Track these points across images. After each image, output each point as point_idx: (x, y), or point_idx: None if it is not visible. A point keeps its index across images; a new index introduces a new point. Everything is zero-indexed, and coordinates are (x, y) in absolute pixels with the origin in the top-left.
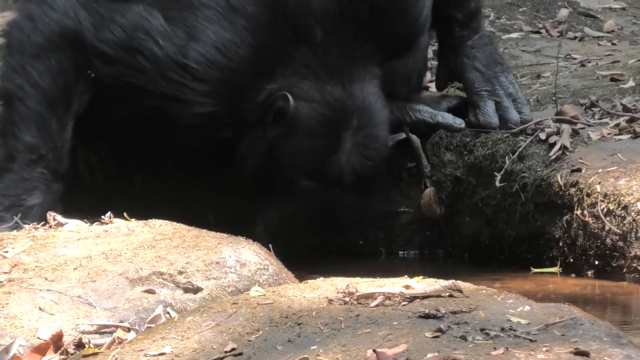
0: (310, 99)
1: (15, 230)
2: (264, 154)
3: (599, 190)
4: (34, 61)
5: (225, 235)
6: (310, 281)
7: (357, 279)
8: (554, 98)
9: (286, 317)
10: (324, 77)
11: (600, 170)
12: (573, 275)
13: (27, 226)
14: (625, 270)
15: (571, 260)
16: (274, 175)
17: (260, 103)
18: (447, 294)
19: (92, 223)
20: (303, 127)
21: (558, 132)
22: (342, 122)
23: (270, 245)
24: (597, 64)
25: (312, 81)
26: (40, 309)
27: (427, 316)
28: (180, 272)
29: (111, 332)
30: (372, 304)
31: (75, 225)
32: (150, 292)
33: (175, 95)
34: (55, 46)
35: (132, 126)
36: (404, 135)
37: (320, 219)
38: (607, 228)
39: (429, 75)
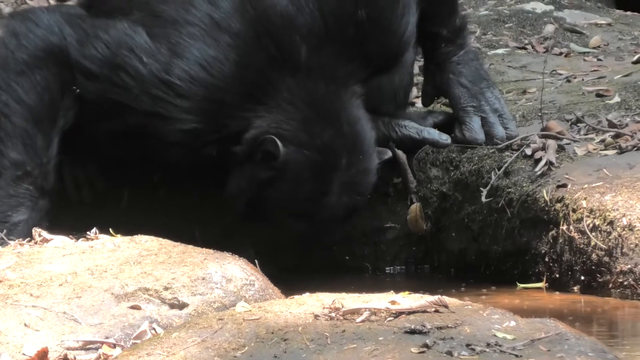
0: (299, 143)
1: (0, 246)
2: (252, 193)
3: (584, 205)
4: (18, 78)
5: (211, 250)
6: (296, 297)
7: (343, 295)
8: (540, 114)
9: (272, 333)
10: (311, 116)
11: (586, 185)
12: (559, 290)
13: (12, 242)
14: (611, 285)
15: (557, 275)
16: (263, 212)
17: (248, 140)
18: (433, 309)
19: (77, 239)
20: (292, 173)
21: (544, 148)
22: (332, 165)
23: (256, 260)
24: (582, 79)
25: (299, 122)
26: (25, 325)
27: (412, 332)
28: (166, 288)
29: (97, 348)
30: (358, 320)
31: (60, 241)
32: (136, 308)
33: (159, 113)
34: (40, 62)
35: (116, 142)
36: (390, 154)
37: (308, 242)
38: (593, 243)
39: (415, 91)
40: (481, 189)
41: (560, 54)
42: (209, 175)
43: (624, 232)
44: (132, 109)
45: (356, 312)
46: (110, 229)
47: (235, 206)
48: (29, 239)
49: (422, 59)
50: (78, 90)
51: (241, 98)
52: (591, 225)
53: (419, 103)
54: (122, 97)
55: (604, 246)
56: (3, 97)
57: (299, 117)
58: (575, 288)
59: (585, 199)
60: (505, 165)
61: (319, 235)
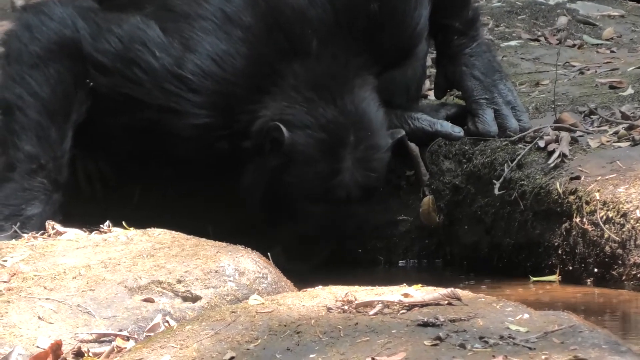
0: (303, 125)
1: (14, 239)
2: (266, 184)
3: (598, 197)
4: (32, 71)
5: (224, 244)
6: (309, 289)
7: (356, 288)
8: (553, 106)
9: (285, 326)
10: (313, 98)
11: (599, 177)
12: (572, 283)
13: (26, 235)
14: (624, 277)
15: (570, 268)
16: (279, 202)
17: (255, 132)
18: (446, 302)
19: (91, 232)
20: (301, 156)
21: (557, 140)
22: (340, 141)
23: (268, 253)
24: (595, 71)
25: (301, 105)
26: (39, 317)
27: (425, 324)
28: (179, 281)
29: (110, 341)
30: (371, 312)
31: (74, 234)
32: (149, 300)
33: (171, 107)
34: (53, 56)
35: (129, 137)
36: (402, 133)
37: (328, 233)
38: (606, 236)
39: (427, 83)
40: (494, 181)
41: (573, 45)
42: (222, 172)
43: (638, 224)
44: (144, 103)
45: (369, 304)
46: (123, 222)
47: (250, 202)
48: (42, 231)
49: (435, 52)
50: (91, 84)
51: (251, 92)
52: (604, 217)
53: (431, 95)
54: (134, 92)
55: (617, 238)
56: (17, 90)
57: (301, 100)
58: (589, 280)
59: (598, 191)
60: (518, 157)
61: (342, 220)
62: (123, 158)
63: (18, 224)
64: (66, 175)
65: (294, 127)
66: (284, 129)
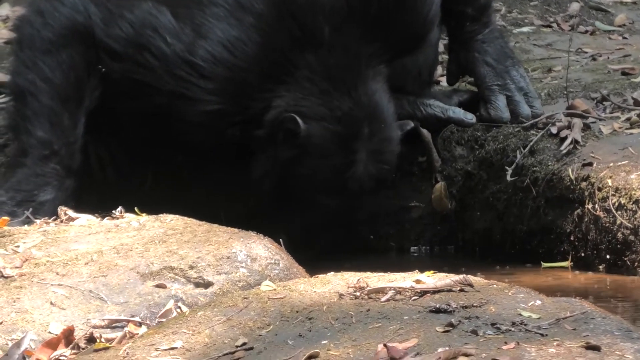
0: (318, 117)
1: (26, 225)
2: (277, 175)
3: (610, 184)
4: (44, 56)
5: (236, 230)
6: (321, 276)
7: (368, 274)
8: (565, 92)
9: (297, 312)
10: (329, 90)
11: (611, 164)
12: (584, 269)
13: (38, 221)
14: (636, 264)
15: (582, 254)
16: (290, 192)
17: (269, 122)
18: (458, 288)
19: (103, 218)
20: (316, 148)
21: (569, 126)
22: (354, 134)
23: (280, 240)
24: (608, 57)
25: (317, 96)
26: (51, 303)
27: (437, 311)
28: (191, 267)
29: (122, 327)
30: (383, 299)
31: (86, 220)
32: (162, 286)
33: (183, 93)
34: (65, 41)
35: (141, 123)
36: (412, 125)
37: (339, 221)
38: (618, 222)
39: (440, 70)
40: (506, 167)
41: (586, 32)
42: (233, 161)
43: None
44: (156, 89)
45: (381, 291)
46: (135, 208)
47: (262, 191)
48: (54, 217)
49: (447, 38)
50: (103, 70)
51: (263, 79)
52: (617, 203)
53: (444, 81)
54: (146, 77)
55: (630, 225)
56: (30, 76)
57: (317, 91)
58: (601, 267)
59: (610, 177)
60: (531, 143)
61: (351, 210)
62: (135, 143)
63: (30, 209)
64: (79, 162)
65: (310, 119)
66: (299, 120)
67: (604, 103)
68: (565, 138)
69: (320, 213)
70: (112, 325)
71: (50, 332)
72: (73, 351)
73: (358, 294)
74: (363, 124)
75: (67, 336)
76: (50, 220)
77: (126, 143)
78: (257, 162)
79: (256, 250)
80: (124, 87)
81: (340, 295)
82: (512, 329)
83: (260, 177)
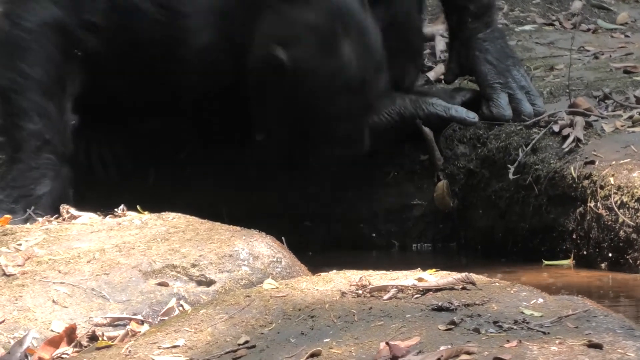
0: (295, 37)
1: (28, 223)
2: (280, 110)
3: (612, 182)
4: (21, 53)
5: (238, 228)
6: (323, 274)
7: (370, 272)
8: (567, 90)
9: (299, 310)
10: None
11: (613, 162)
12: (586, 268)
13: (40, 218)
14: (638, 262)
15: (584, 252)
16: (299, 123)
17: (256, 58)
18: (460, 286)
19: (105, 216)
20: (304, 69)
21: (571, 125)
22: (333, 33)
23: (283, 238)
24: (610, 56)
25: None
26: (53, 301)
27: (440, 309)
28: (194, 265)
29: (124, 325)
30: (385, 297)
31: (88, 218)
32: (164, 284)
33: (171, 36)
34: (38, 35)
35: (138, 92)
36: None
37: (357, 126)
38: (620, 220)
39: (442, 68)
40: (508, 165)
41: (588, 30)
42: (232, 114)
43: None
44: (144, 45)
45: (383, 289)
46: (137, 206)
47: (268, 140)
48: (56, 215)
49: (448, 36)
50: (80, 54)
51: (240, 9)
52: (619, 202)
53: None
54: (132, 37)
55: (632, 223)
56: (9, 75)
57: (286, 9)
58: (603, 265)
59: (613, 175)
60: (533, 142)
61: (364, 110)
62: (137, 141)
63: (30, 205)
64: (72, 148)
65: (289, 45)
66: (281, 52)
67: (606, 101)
68: (567, 136)
69: (339, 124)
70: (115, 323)
71: (52, 330)
72: (75, 349)
73: (360, 292)
74: (337, 24)
75: (69, 334)
76: (52, 219)
77: (128, 141)
78: (255, 107)
79: (258, 249)
80: (114, 57)
81: (343, 294)
82: (514, 327)
83: (260, 123)
